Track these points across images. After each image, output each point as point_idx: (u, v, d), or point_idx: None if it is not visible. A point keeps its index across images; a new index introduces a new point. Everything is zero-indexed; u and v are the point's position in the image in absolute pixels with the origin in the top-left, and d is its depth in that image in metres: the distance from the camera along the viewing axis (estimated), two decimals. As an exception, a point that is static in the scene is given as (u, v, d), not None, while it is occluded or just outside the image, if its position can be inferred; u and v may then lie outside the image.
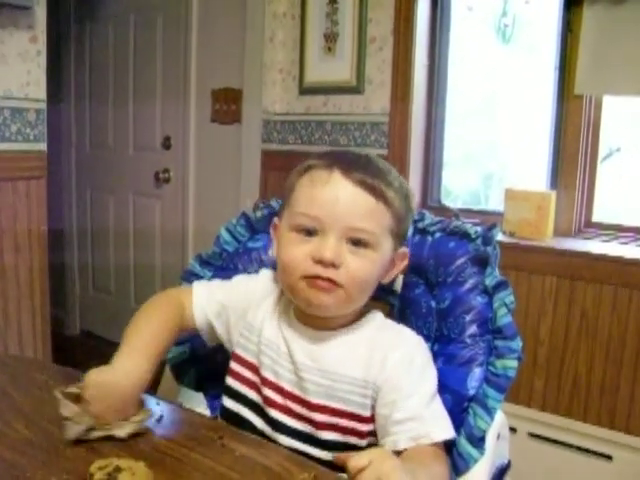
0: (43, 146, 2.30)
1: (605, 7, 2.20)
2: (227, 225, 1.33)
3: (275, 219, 1.09)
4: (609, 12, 2.20)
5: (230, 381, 1.10)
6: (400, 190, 1.01)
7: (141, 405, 0.98)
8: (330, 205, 0.96)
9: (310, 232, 0.98)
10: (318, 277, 0.96)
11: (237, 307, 1.11)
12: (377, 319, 1.07)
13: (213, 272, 1.30)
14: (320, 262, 0.95)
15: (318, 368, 1.01)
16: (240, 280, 1.17)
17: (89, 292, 3.95)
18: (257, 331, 1.08)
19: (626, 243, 2.27)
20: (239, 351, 1.10)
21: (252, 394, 1.07)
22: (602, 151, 2.41)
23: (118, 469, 0.82)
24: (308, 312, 1.02)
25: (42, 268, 2.33)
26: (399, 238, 1.03)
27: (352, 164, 0.99)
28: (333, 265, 0.95)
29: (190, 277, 1.31)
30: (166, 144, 3.37)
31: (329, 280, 0.96)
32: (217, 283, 1.17)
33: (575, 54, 2.29)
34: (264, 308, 1.10)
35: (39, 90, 2.25)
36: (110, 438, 0.93)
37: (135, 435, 0.94)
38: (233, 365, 1.10)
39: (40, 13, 2.20)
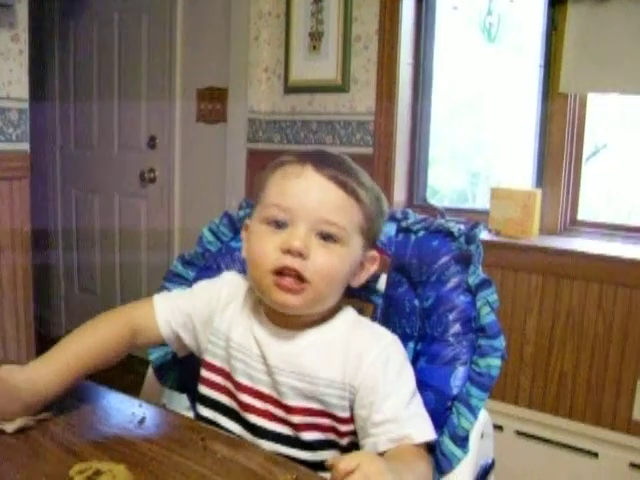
0: (26, 146, 2.28)
1: (589, 5, 2.21)
2: (210, 225, 1.32)
3: (246, 220, 1.08)
4: (593, 10, 2.21)
5: (203, 389, 1.08)
6: (372, 190, 1.02)
7: (36, 413, 0.95)
8: (301, 196, 0.96)
9: (280, 224, 0.97)
10: (285, 269, 0.95)
11: (201, 314, 1.09)
12: (350, 316, 1.06)
13: (196, 272, 1.29)
14: (288, 252, 0.94)
15: (293, 371, 1.00)
16: (202, 286, 1.14)
17: (74, 293, 3.92)
18: (224, 336, 1.06)
19: (611, 241, 2.28)
20: (208, 358, 1.08)
21: (226, 400, 1.05)
22: (588, 148, 2.42)
23: (98, 472, 0.81)
24: (278, 311, 1.01)
25: (25, 269, 2.31)
26: (369, 239, 1.03)
27: (325, 160, 0.99)
28: (300, 255, 0.94)
29: (173, 278, 1.30)
30: (151, 143, 3.35)
31: (296, 275, 0.95)
32: (178, 293, 1.15)
33: (560, 52, 2.30)
34: (231, 311, 1.08)
35: (21, 89, 2.23)
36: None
37: (114, 440, 0.93)
38: (204, 373, 1.08)
39: (22, 11, 2.18)
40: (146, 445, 0.93)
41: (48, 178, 3.85)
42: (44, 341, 3.07)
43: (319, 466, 0.95)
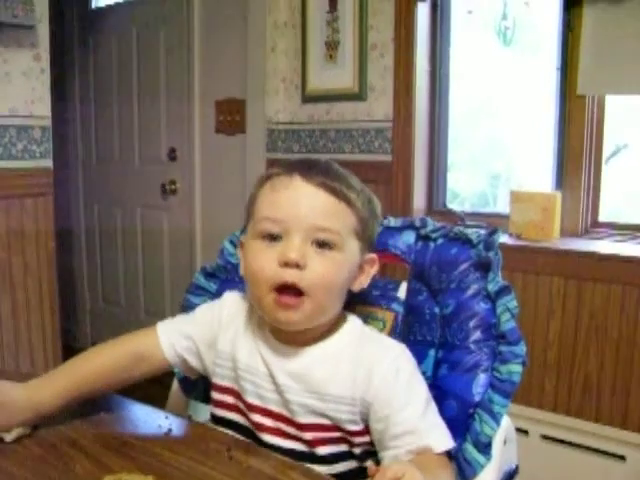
0: (49, 163, 2.32)
1: (605, 6, 2.20)
2: (231, 237, 1.33)
3: (241, 237, 1.07)
4: (609, 11, 2.20)
5: (216, 411, 1.09)
6: (362, 193, 1.01)
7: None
8: (292, 206, 0.96)
9: (274, 237, 0.96)
10: (284, 287, 0.94)
11: (204, 337, 1.09)
12: (356, 328, 1.05)
13: (218, 285, 1.30)
14: (286, 264, 0.94)
15: (302, 389, 1.00)
16: (203, 309, 1.14)
17: (99, 305, 3.96)
18: (230, 357, 1.06)
19: (634, 242, 2.26)
20: (217, 380, 1.08)
21: (240, 419, 1.06)
22: (609, 148, 2.41)
23: (127, 483, 0.83)
24: (281, 328, 1.01)
25: (51, 284, 2.34)
26: (365, 242, 1.02)
27: (312, 169, 0.99)
28: (298, 266, 0.94)
29: (196, 290, 1.31)
30: (172, 156, 3.38)
31: (294, 289, 0.94)
32: (180, 318, 1.15)
33: (576, 54, 2.29)
34: (233, 332, 1.08)
35: (44, 107, 2.27)
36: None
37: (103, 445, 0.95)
38: (215, 395, 1.09)
39: (43, 31, 2.22)
40: (173, 456, 0.94)
41: (71, 193, 3.90)
42: (72, 352, 3.12)
43: (337, 478, 0.96)
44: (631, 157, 2.51)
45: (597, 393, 2.17)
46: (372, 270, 1.05)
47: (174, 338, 1.10)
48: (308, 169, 0.99)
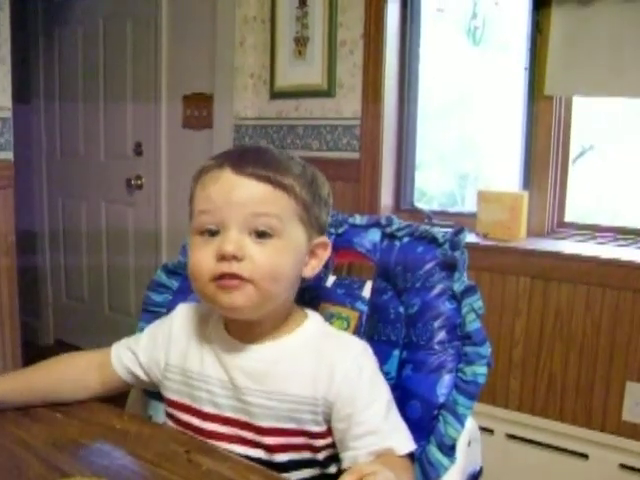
0: (10, 155, 2.27)
1: (573, 8, 2.22)
2: (193, 234, 1.31)
3: (186, 238, 1.05)
4: (577, 13, 2.22)
5: (171, 423, 1.07)
6: (302, 176, 0.98)
7: None
8: (224, 197, 0.94)
9: (213, 232, 0.94)
10: (224, 275, 0.92)
11: (148, 354, 1.08)
12: (317, 325, 1.04)
13: (180, 282, 1.28)
14: (223, 258, 0.92)
15: (263, 390, 0.97)
16: (152, 326, 1.13)
17: (62, 300, 3.91)
18: (179, 370, 1.05)
19: (599, 243, 2.28)
20: (167, 394, 1.07)
21: (192, 434, 1.03)
22: (575, 150, 2.42)
23: (81, 487, 0.81)
24: (230, 317, 0.99)
25: (10, 278, 2.30)
26: (313, 225, 0.99)
27: (242, 159, 0.96)
28: (236, 258, 0.91)
29: (157, 287, 1.29)
30: (137, 150, 3.34)
31: (235, 276, 0.92)
32: (133, 338, 1.13)
33: (544, 55, 2.30)
34: (185, 342, 1.06)
35: (5, 98, 2.22)
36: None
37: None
38: (167, 409, 1.08)
39: (3, 20, 2.16)
40: (130, 459, 0.92)
41: (34, 186, 3.83)
42: (34, 348, 3.06)
43: None
44: (596, 159, 2.54)
45: (561, 392, 2.19)
46: (325, 254, 1.03)
47: (122, 352, 1.10)
48: (238, 159, 0.96)
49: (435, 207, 2.73)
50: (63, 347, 3.77)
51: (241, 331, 1.01)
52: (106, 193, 3.54)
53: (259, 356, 0.99)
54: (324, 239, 1.03)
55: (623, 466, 2.08)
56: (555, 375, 2.20)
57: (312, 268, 1.02)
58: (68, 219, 3.77)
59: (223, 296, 0.93)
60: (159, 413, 1.24)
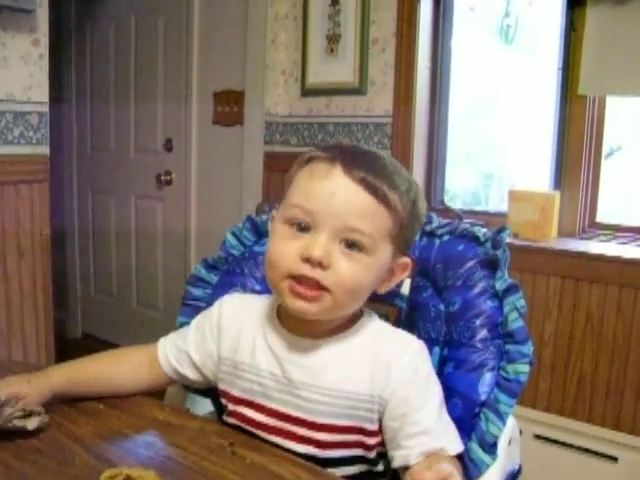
0: (46, 149, 2.29)
1: (608, 7, 2.20)
2: (233, 229, 1.32)
3: (274, 211, 1.00)
4: (612, 12, 2.20)
5: (226, 419, 1.06)
6: (407, 194, 0.94)
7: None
8: (326, 200, 0.90)
9: (302, 228, 0.91)
10: (303, 277, 0.90)
11: (206, 347, 1.07)
12: (374, 323, 1.02)
13: (219, 277, 1.29)
14: (308, 261, 0.89)
15: (319, 386, 0.96)
16: (198, 320, 1.12)
17: (91, 295, 3.94)
18: (232, 362, 1.04)
19: (629, 243, 2.26)
20: (222, 386, 1.06)
21: (249, 427, 1.02)
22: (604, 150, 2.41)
23: (129, 478, 0.81)
24: (295, 316, 0.97)
25: (45, 272, 2.32)
26: (400, 246, 0.96)
27: (356, 160, 0.92)
28: (321, 265, 0.89)
29: (196, 282, 1.30)
30: (168, 146, 3.36)
31: (315, 283, 0.90)
32: (179, 334, 1.13)
33: (578, 54, 2.29)
34: (235, 333, 1.05)
35: (41, 93, 2.24)
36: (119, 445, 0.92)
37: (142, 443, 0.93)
38: (223, 401, 1.07)
39: (42, 16, 2.19)
40: (174, 450, 0.93)
41: (65, 180, 3.87)
42: (63, 342, 3.09)
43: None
44: (625, 160, 2.51)
45: (591, 394, 2.18)
46: (403, 275, 1.01)
47: (168, 350, 1.10)
48: (352, 159, 0.92)
49: (459, 206, 2.72)
50: (90, 340, 3.81)
51: (298, 326, 0.99)
52: (136, 188, 3.56)
53: (317, 352, 0.98)
54: (406, 260, 1.00)
55: (653, 469, 2.07)
56: (585, 377, 2.18)
57: (387, 286, 1.00)
58: (97, 213, 3.80)
59: (296, 302, 0.92)
60: (197, 406, 1.26)
